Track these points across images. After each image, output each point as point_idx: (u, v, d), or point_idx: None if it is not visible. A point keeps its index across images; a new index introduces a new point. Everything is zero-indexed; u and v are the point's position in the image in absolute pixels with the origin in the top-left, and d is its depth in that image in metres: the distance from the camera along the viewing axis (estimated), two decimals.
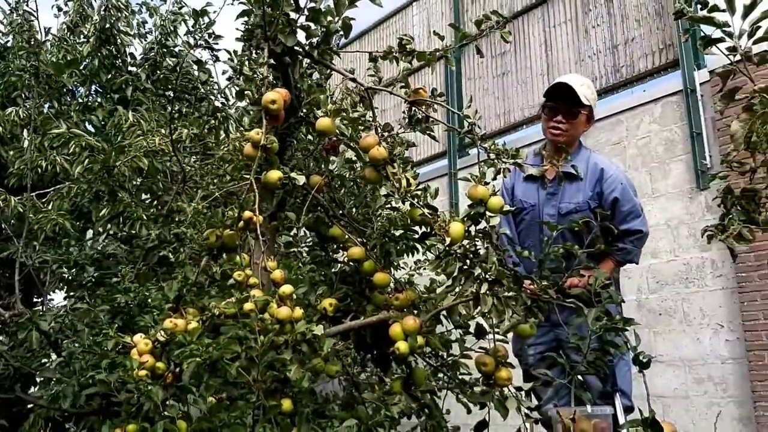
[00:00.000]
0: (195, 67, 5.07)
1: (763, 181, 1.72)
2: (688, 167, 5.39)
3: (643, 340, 2.10)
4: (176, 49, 5.40)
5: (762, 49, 1.63)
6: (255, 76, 2.21)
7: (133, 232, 3.77)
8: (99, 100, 5.63)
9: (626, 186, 2.90)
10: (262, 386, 1.85)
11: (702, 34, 1.63)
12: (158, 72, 5.47)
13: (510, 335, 2.36)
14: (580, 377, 2.26)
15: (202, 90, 5.10)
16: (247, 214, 2.09)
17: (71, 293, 3.87)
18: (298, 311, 1.99)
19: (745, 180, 1.79)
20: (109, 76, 5.51)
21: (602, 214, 2.49)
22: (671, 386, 5.23)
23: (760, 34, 1.46)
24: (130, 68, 5.62)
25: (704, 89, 5.36)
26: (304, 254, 3.09)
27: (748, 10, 1.52)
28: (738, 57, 1.50)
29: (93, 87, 5.75)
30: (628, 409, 2.81)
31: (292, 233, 3.24)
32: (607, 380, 2.67)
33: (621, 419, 2.68)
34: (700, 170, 5.24)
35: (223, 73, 5.72)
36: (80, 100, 5.61)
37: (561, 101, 2.95)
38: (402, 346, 2.14)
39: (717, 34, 1.54)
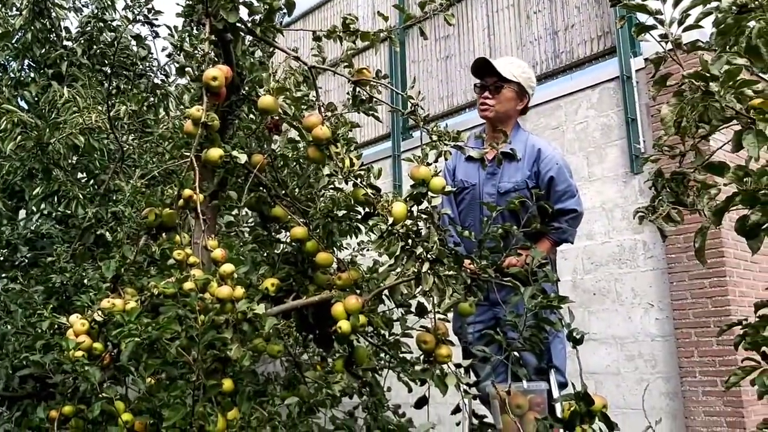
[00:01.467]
0: (134, 42, 4.92)
1: (691, 165, 1.80)
2: (623, 152, 5.56)
3: (578, 319, 2.18)
4: (114, 24, 5.22)
5: (693, 38, 1.69)
6: (196, 52, 2.17)
7: (69, 211, 3.67)
8: (32, 75, 5.42)
9: (562, 166, 2.99)
10: (203, 366, 1.84)
11: (637, 21, 1.69)
12: (95, 47, 5.29)
13: (450, 314, 2.41)
14: (516, 354, 2.33)
15: (141, 66, 4.96)
16: (187, 192, 2.06)
17: (3, 274, 3.74)
18: (240, 290, 1.98)
19: (675, 164, 1.87)
20: (43, 50, 5.30)
21: (537, 194, 2.56)
22: (603, 363, 5.43)
23: (689, 21, 1.52)
24: (65, 42, 5.42)
25: (639, 76, 5.53)
26: (246, 234, 3.07)
27: None
28: (669, 44, 1.55)
29: (26, 61, 5.52)
30: (562, 385, 2.90)
31: (233, 213, 3.21)
32: (543, 357, 2.75)
33: (555, 394, 2.77)
34: (634, 155, 5.42)
35: (163, 49, 5.59)
36: (12, 75, 5.38)
37: (491, 77, 3.07)
38: (344, 325, 2.15)
39: (650, 21, 1.59)
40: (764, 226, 1.41)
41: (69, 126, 3.65)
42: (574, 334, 2.12)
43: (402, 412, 2.59)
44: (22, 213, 4.40)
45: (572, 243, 3.12)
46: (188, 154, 2.08)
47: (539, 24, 6.45)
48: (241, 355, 1.88)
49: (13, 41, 5.24)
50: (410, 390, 2.48)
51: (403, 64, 7.69)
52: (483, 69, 3.12)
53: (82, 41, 5.31)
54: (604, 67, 5.91)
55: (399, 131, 7.51)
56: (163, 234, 2.34)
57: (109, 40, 5.06)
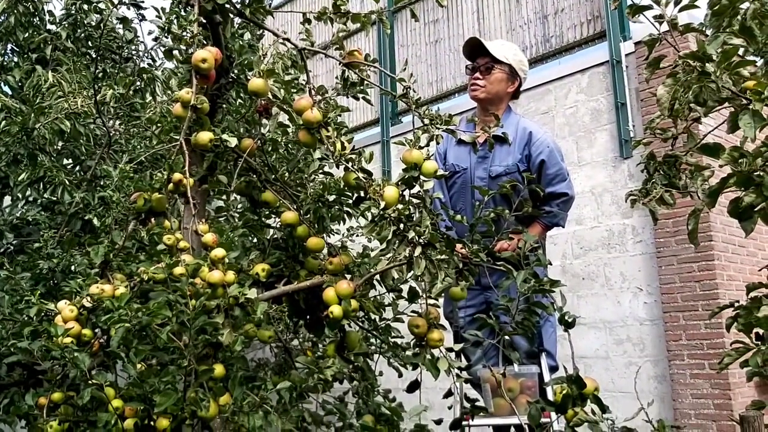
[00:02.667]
0: (119, 25, 4.85)
1: (684, 148, 1.79)
2: (612, 136, 5.57)
3: (567, 303, 2.18)
4: (99, 6, 5.14)
5: (686, 21, 1.68)
6: (184, 34, 2.13)
7: (55, 198, 3.62)
8: (16, 59, 5.33)
9: (553, 149, 2.98)
10: (194, 351, 1.82)
11: (630, 2, 1.67)
12: (79, 30, 5.21)
13: (441, 299, 2.41)
14: (507, 338, 2.33)
15: (128, 50, 4.90)
16: (176, 176, 2.04)
17: None
18: (231, 275, 1.96)
19: (667, 147, 1.87)
20: (27, 34, 5.21)
21: (529, 177, 2.56)
22: (593, 347, 5.46)
23: (685, 1, 1.51)
24: (49, 26, 5.34)
25: (629, 60, 5.52)
26: (236, 219, 3.04)
27: None
28: (664, 25, 1.54)
29: (9, 46, 5.43)
30: (553, 369, 2.92)
31: (223, 198, 3.18)
32: (534, 341, 2.75)
33: (546, 378, 2.78)
34: (624, 139, 5.42)
35: (149, 33, 5.51)
36: None
37: (482, 58, 3.08)
38: (336, 310, 2.14)
39: (645, 1, 1.58)
40: (757, 208, 1.41)
41: (54, 111, 3.60)
42: (566, 317, 2.12)
43: (393, 397, 2.59)
44: (7, 200, 4.35)
45: (563, 227, 3.12)
46: (177, 137, 2.05)
47: (529, 8, 6.42)
48: (232, 340, 1.87)
49: None
50: (401, 375, 2.48)
51: (392, 49, 7.64)
52: (475, 51, 3.11)
53: (67, 25, 5.23)
54: (593, 51, 5.89)
55: (388, 116, 7.48)
56: (153, 219, 2.31)
57: (95, 22, 4.99)
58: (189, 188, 2.04)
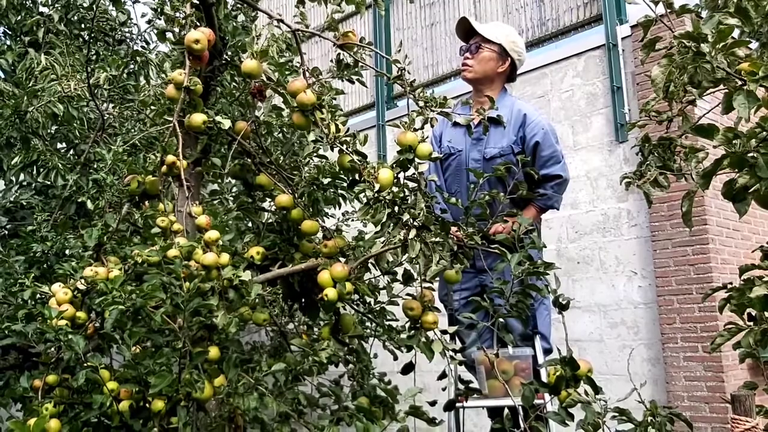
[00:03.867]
0: (112, 7, 4.81)
1: (678, 131, 1.79)
2: (608, 120, 5.56)
3: (562, 287, 2.18)
4: None
5: (682, 2, 1.68)
6: (177, 15, 2.11)
7: (48, 182, 3.61)
8: (8, 42, 5.29)
9: (548, 131, 2.98)
10: (189, 333, 1.82)
11: None
12: (72, 12, 5.16)
13: (436, 283, 2.41)
14: (502, 320, 2.34)
15: (121, 32, 4.86)
16: (170, 158, 2.03)
17: None
18: (225, 257, 1.96)
19: (662, 131, 1.86)
20: (19, 17, 5.16)
21: (523, 159, 2.56)
22: (587, 330, 5.49)
23: None
24: (41, 9, 5.28)
25: (625, 44, 5.50)
26: (230, 202, 3.04)
27: None
28: (660, 7, 1.53)
29: (1, 29, 5.38)
30: (547, 351, 2.93)
31: (217, 181, 3.17)
32: (528, 323, 2.77)
33: (540, 360, 2.80)
34: (619, 123, 5.42)
35: (143, 16, 5.46)
36: None
37: (474, 39, 3.10)
38: (331, 292, 2.14)
39: None
40: (751, 190, 1.41)
41: (47, 94, 3.58)
42: (561, 299, 2.12)
43: (387, 380, 2.60)
44: (0, 183, 4.33)
45: (558, 209, 3.12)
46: (171, 119, 2.04)
47: None
48: (227, 322, 1.87)
49: None
50: (396, 358, 2.49)
51: (387, 32, 7.60)
52: (469, 33, 3.12)
53: (59, 7, 5.17)
54: (590, 35, 5.87)
55: (383, 100, 7.45)
56: (146, 202, 2.30)
57: (87, 3, 4.94)
58: (182, 170, 2.03)
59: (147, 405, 1.88)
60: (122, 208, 2.30)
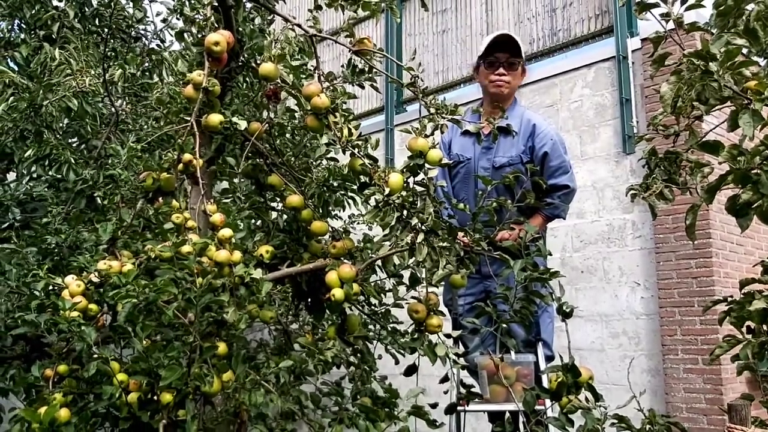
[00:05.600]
0: (129, 4, 4.86)
1: (685, 145, 1.83)
2: (616, 132, 5.59)
3: (566, 296, 2.22)
4: None
5: (692, 20, 1.71)
6: (197, 16, 2.16)
7: (60, 175, 3.64)
8: (22, 36, 5.33)
9: (557, 142, 3.01)
10: (199, 328, 1.86)
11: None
12: (87, 9, 5.21)
13: (441, 287, 2.45)
14: (505, 326, 2.37)
15: (137, 29, 4.90)
16: (186, 156, 2.07)
17: None
18: (237, 254, 2.00)
19: (668, 144, 1.90)
20: (33, 11, 5.21)
21: (532, 169, 2.59)
22: (588, 339, 5.51)
23: (691, 0, 1.54)
24: (56, 4, 5.33)
25: (635, 57, 5.53)
26: (242, 201, 3.07)
27: None
28: (671, 23, 1.57)
29: (15, 22, 5.43)
30: (549, 359, 2.96)
31: (230, 180, 3.21)
32: (531, 330, 2.80)
33: (542, 366, 2.83)
34: (627, 135, 5.44)
35: (158, 14, 5.51)
36: (1, 35, 5.29)
37: (502, 53, 3.05)
38: (338, 293, 2.18)
39: None
40: (754, 205, 1.45)
41: (62, 89, 3.62)
42: (564, 307, 2.16)
43: (389, 383, 2.64)
44: (11, 176, 4.37)
45: (564, 219, 3.15)
46: (188, 118, 2.08)
47: (537, 1, 6.42)
48: (237, 318, 1.91)
49: (3, 2, 5.15)
50: (397, 362, 2.52)
51: (399, 37, 7.65)
52: (498, 44, 3.08)
53: (74, 3, 5.22)
54: (600, 46, 5.90)
55: (393, 105, 7.50)
56: (161, 198, 2.34)
57: (106, 0, 4.98)
58: (198, 169, 2.07)
59: (155, 397, 1.91)
60: (137, 203, 2.33)
